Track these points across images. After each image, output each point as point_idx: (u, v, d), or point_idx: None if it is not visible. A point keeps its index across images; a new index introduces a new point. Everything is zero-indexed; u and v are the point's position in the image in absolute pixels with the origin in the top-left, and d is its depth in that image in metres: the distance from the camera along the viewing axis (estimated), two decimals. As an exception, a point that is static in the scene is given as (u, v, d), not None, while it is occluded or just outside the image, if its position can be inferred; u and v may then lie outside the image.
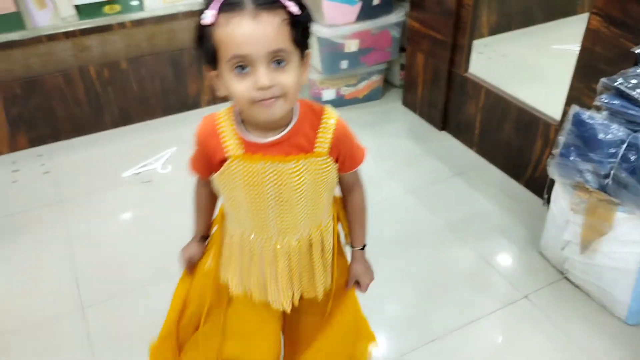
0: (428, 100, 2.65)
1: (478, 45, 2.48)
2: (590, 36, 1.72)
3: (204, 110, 2.87)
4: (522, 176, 2.23)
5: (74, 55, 2.46)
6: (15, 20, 2.32)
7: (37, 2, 2.34)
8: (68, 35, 2.41)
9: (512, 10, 3.31)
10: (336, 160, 0.99)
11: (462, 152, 2.49)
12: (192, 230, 1.22)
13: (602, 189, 1.51)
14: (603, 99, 1.51)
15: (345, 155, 1.00)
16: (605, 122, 1.49)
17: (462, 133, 2.53)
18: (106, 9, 2.47)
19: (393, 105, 2.88)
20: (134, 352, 1.59)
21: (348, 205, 1.14)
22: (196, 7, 2.55)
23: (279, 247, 1.03)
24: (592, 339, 1.59)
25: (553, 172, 1.64)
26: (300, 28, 0.85)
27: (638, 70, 1.50)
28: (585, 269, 1.67)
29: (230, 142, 0.94)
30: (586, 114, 1.52)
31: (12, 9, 2.29)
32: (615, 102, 1.48)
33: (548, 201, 1.81)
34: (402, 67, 2.89)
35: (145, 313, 1.72)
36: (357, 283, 1.20)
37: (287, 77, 0.85)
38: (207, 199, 1.13)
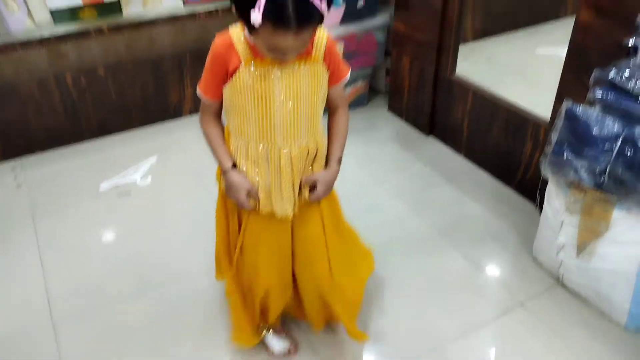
0: (414, 105, 2.59)
1: (463, 49, 2.43)
2: (579, 29, 1.67)
3: (186, 120, 2.79)
4: (513, 180, 2.16)
5: (49, 62, 2.37)
6: (-14, 26, 2.23)
7: (9, 5, 2.25)
8: (43, 42, 2.31)
9: (497, 13, 3.29)
10: (328, 69, 1.15)
11: (450, 157, 2.42)
12: (221, 160, 1.23)
13: (598, 186, 1.45)
14: (596, 92, 1.45)
15: (335, 66, 1.17)
16: (599, 116, 1.43)
17: (449, 138, 2.47)
18: (82, 13, 2.39)
19: (379, 111, 2.82)
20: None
21: (333, 124, 1.27)
22: (176, 13, 2.51)
23: (284, 151, 1.17)
24: (591, 346, 1.52)
25: (546, 170, 1.57)
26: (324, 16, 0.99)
27: (631, 62, 1.45)
28: (581, 273, 1.60)
29: (244, 49, 1.09)
30: (579, 108, 1.46)
31: (-18, 15, 2.20)
32: (609, 95, 1.42)
33: (541, 204, 1.75)
34: (387, 72, 2.84)
35: (119, 329, 1.61)
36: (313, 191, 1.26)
37: (305, 44, 1.03)
38: (218, 129, 1.23)
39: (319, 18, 0.97)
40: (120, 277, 1.80)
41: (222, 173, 1.23)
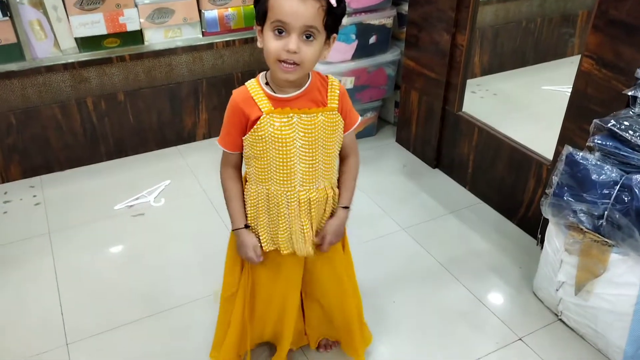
0: (422, 138, 2.67)
1: (471, 84, 2.52)
2: (582, 78, 1.76)
3: (199, 144, 2.88)
4: (515, 215, 2.23)
5: (71, 86, 2.47)
6: (15, 51, 2.33)
7: (38, 34, 2.36)
8: (67, 66, 2.43)
9: (504, 51, 3.39)
10: (342, 117, 1.22)
11: (456, 190, 2.49)
12: (234, 218, 1.30)
13: (596, 229, 1.51)
14: (596, 139, 1.52)
15: (347, 113, 1.24)
16: (599, 162, 1.50)
17: (455, 171, 2.54)
18: (106, 42, 2.50)
19: (387, 142, 2.90)
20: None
21: (344, 168, 1.34)
22: (195, 43, 2.62)
23: (303, 194, 1.23)
24: (588, 383, 1.57)
25: (546, 211, 1.64)
26: (332, 16, 1.08)
27: (630, 112, 1.53)
28: (579, 311, 1.65)
29: (263, 100, 1.16)
30: (579, 155, 1.54)
31: (12, 40, 2.31)
32: (608, 143, 1.49)
33: (541, 241, 1.81)
34: (397, 104, 2.93)
35: (132, 351, 1.67)
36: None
37: (309, 50, 1.09)
38: (238, 185, 1.29)
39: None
40: (130, 299, 1.86)
41: (234, 231, 1.30)
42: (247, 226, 1.29)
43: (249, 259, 1.30)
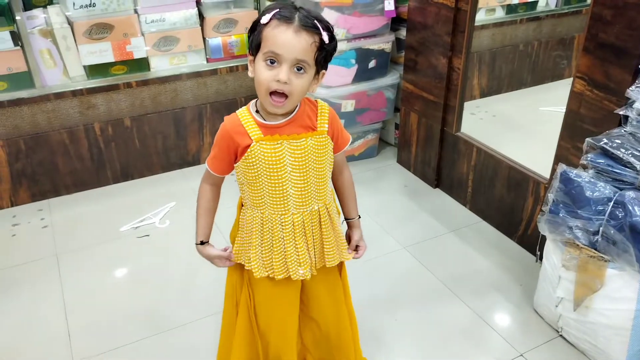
0: (422, 159, 2.72)
1: (470, 106, 2.58)
2: (575, 98, 1.81)
3: (203, 167, 2.91)
4: (515, 233, 2.26)
5: (80, 112, 2.54)
6: (25, 78, 2.41)
7: (47, 62, 2.44)
8: (75, 93, 2.50)
9: (502, 74, 3.46)
10: (332, 139, 1.25)
11: (456, 209, 2.53)
12: (197, 233, 1.34)
13: (592, 245, 1.54)
14: (589, 158, 1.57)
15: (338, 135, 1.28)
16: (592, 180, 1.54)
17: (455, 191, 2.58)
18: (114, 69, 2.58)
19: (388, 163, 2.95)
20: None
21: (340, 183, 1.40)
22: (199, 69, 2.69)
23: (296, 219, 1.25)
24: (589, 398, 1.58)
25: (543, 228, 1.67)
26: (324, 52, 1.13)
27: (622, 131, 1.57)
28: (579, 326, 1.67)
29: (253, 128, 1.18)
30: (573, 172, 1.58)
31: (23, 68, 2.39)
32: (601, 160, 1.54)
33: (540, 258, 1.84)
34: (397, 126, 2.98)
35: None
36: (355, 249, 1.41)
37: (299, 82, 1.12)
38: (213, 202, 1.33)
39: (318, 33, 1.10)
40: (136, 319, 1.89)
41: (196, 245, 1.36)
42: (202, 242, 1.35)
43: (222, 266, 1.37)
